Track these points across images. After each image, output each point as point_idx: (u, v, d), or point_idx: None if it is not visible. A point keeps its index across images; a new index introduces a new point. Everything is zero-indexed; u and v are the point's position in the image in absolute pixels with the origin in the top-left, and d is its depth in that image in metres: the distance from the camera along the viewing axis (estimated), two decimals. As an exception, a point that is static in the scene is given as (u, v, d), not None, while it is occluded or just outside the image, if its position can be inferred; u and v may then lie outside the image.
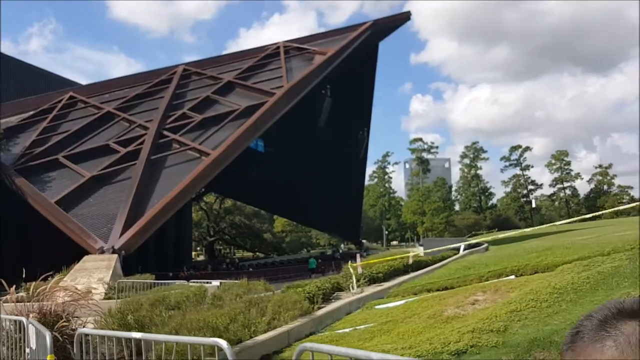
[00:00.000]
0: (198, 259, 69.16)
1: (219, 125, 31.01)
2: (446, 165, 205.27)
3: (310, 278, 35.85)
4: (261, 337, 7.67)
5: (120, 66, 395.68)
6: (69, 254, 32.34)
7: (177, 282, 23.44)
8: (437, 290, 12.54)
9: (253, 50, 43.28)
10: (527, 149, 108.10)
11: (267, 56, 40.89)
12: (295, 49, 41.43)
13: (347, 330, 8.75)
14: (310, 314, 9.56)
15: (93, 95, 38.30)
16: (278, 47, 41.62)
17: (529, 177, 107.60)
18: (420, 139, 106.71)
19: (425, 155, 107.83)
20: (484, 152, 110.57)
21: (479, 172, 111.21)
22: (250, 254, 74.46)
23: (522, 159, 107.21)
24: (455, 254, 28.86)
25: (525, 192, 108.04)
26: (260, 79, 37.21)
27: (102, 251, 21.98)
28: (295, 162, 54.72)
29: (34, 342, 6.07)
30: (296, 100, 33.78)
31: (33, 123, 35.55)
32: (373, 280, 16.50)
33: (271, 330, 8.07)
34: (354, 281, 15.16)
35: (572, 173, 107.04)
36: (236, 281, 17.16)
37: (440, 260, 26.66)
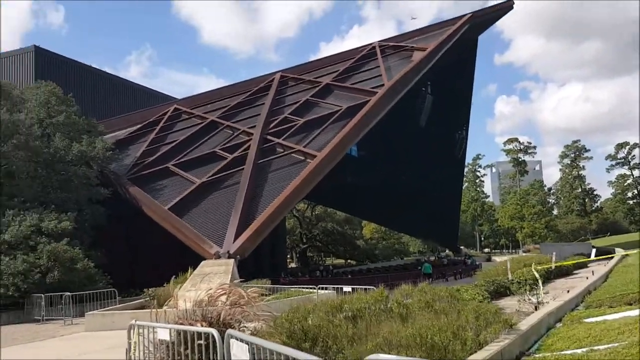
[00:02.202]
0: (290, 266, 69.30)
1: (321, 128, 30.29)
2: (536, 167, 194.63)
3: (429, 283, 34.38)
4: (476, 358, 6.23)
5: (210, 86, 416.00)
6: (175, 260, 33.21)
7: (293, 287, 22.86)
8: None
9: (348, 52, 42.50)
10: (637, 145, 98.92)
11: (363, 57, 39.91)
12: (391, 47, 40.14)
13: (578, 351, 7.09)
14: (513, 328, 7.92)
15: (196, 106, 39.14)
16: (374, 47, 40.52)
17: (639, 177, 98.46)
18: (516, 139, 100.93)
19: (521, 156, 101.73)
20: (586, 150, 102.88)
21: (581, 172, 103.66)
22: (340, 261, 73.53)
23: (630, 156, 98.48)
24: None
25: (635, 192, 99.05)
26: (359, 79, 36.25)
27: (217, 256, 21.70)
28: (389, 165, 53.24)
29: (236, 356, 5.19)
30: (398, 98, 32.42)
31: (141, 135, 36.81)
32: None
33: (481, 350, 6.60)
34: (541, 288, 13.36)
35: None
36: (368, 287, 15.98)
37: (581, 267, 24.17)
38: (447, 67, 41.88)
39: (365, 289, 15.95)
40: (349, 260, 71.22)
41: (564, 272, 21.25)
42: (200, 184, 27.70)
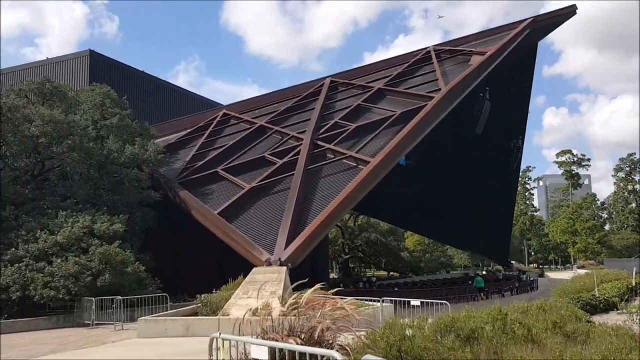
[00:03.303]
0: (331, 276, 68.10)
1: (374, 133, 29.22)
2: (586, 182, 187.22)
3: (479, 299, 32.66)
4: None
5: (253, 95, 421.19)
6: (214, 267, 32.88)
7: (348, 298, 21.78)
8: None
9: (400, 57, 41.37)
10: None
11: (416, 61, 38.69)
12: (447, 51, 38.78)
13: None
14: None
15: (244, 111, 38.84)
16: (428, 52, 39.27)
17: None
18: (570, 151, 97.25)
19: (575, 168, 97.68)
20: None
21: (636, 187, 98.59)
22: (383, 273, 71.88)
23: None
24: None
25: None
26: (413, 84, 35.05)
27: (269, 263, 20.89)
28: (438, 175, 51.50)
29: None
30: (456, 103, 31.06)
31: (190, 140, 36.73)
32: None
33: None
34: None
35: None
36: (433, 301, 14.79)
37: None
38: (505, 74, 40.17)
39: (431, 303, 14.78)
40: (391, 273, 69.52)
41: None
42: (250, 189, 27.07)
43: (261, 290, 18.73)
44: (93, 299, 19.50)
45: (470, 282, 43.26)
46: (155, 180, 29.71)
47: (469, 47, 38.41)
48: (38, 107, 25.55)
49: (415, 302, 13.95)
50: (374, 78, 38.32)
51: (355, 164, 26.95)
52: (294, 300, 7.13)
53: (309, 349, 5.22)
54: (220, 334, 5.58)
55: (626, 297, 12.79)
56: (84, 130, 26.61)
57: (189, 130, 37.74)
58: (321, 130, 31.13)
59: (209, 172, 30.39)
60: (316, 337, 6.13)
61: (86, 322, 19.61)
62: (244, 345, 6.00)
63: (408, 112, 29.83)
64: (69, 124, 25.40)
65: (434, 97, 30.27)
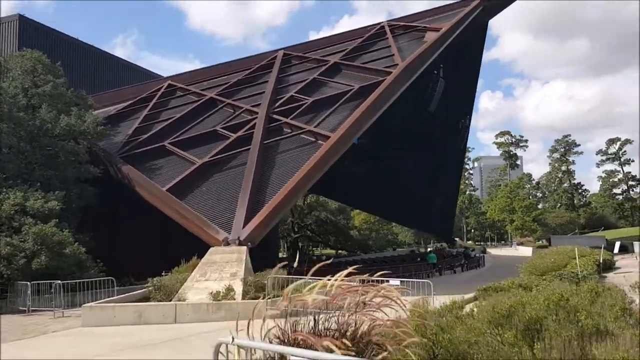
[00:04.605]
0: (280, 256, 67.03)
1: (332, 108, 28.12)
2: (518, 162, 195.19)
3: (435, 275, 32.45)
4: None
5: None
6: (159, 247, 30.89)
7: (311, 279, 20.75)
8: None
9: (354, 31, 40.26)
10: (628, 141, 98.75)
11: (371, 36, 37.71)
12: (402, 27, 38.02)
13: None
14: None
15: (191, 83, 36.59)
16: (382, 27, 38.37)
17: (630, 172, 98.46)
18: (508, 133, 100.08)
19: (513, 149, 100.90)
20: (577, 145, 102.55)
21: (570, 167, 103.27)
22: (331, 251, 71.59)
23: (621, 152, 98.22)
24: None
25: (625, 187, 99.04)
26: (369, 59, 34.10)
27: (226, 243, 19.49)
28: (387, 153, 51.23)
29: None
30: (413, 79, 30.44)
31: (133, 112, 34.23)
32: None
33: None
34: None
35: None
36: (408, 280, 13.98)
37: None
38: (456, 52, 40.02)
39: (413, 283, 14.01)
40: (339, 251, 69.30)
41: (607, 267, 19.60)
42: (202, 165, 25.36)
43: (220, 272, 17.44)
44: (28, 283, 17.46)
45: (419, 259, 43.43)
46: (94, 155, 27.32)
47: (422, 23, 37.85)
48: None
49: (394, 281, 13.06)
50: (329, 52, 37.08)
51: (314, 139, 25.81)
52: (331, 286, 5.65)
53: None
54: (233, 338, 4.19)
55: (599, 273, 12.52)
56: (13, 99, 23.91)
57: (130, 102, 35.13)
58: (277, 104, 29.67)
59: (155, 146, 28.29)
60: (359, 337, 4.83)
61: (21, 308, 17.57)
62: (272, 355, 4.51)
63: (367, 86, 28.91)
64: (-5, 90, 22.66)
65: (391, 72, 29.48)
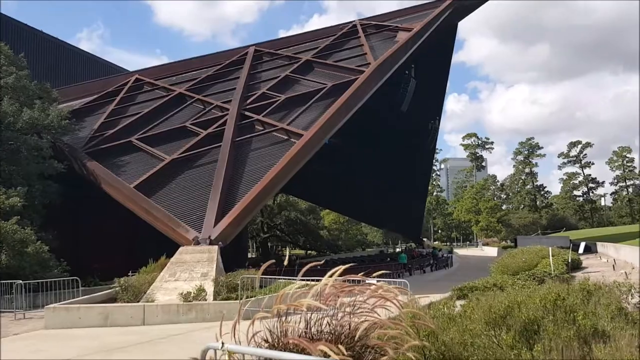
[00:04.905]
0: (249, 256, 66.27)
1: (305, 106, 27.85)
2: (483, 164, 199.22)
3: (406, 275, 32.51)
4: None
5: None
6: (126, 246, 29.98)
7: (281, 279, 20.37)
8: None
9: (326, 29, 40.07)
10: (588, 144, 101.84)
11: (343, 35, 37.59)
12: (374, 26, 38.04)
13: None
14: None
15: (160, 77, 35.69)
16: (355, 26, 38.31)
17: (590, 175, 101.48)
18: (475, 135, 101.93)
19: (479, 151, 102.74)
20: (540, 148, 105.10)
21: (534, 169, 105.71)
22: (301, 252, 71.31)
23: (582, 155, 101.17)
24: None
25: (585, 189, 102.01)
26: (341, 57, 33.96)
27: (197, 242, 19.01)
28: (358, 153, 51.26)
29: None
30: (386, 78, 30.46)
31: (98, 106, 33.15)
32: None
33: None
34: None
35: (636, 170, 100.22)
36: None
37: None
38: (426, 53, 40.26)
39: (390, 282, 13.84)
40: (309, 252, 69.10)
41: (575, 266, 19.97)
42: (171, 161, 24.75)
43: (190, 272, 16.97)
44: (-14, 284, 16.59)
45: (388, 259, 43.63)
46: (58, 150, 26.35)
47: (395, 23, 37.96)
48: None
49: (371, 281, 12.89)
50: (301, 49, 36.76)
51: (287, 137, 25.49)
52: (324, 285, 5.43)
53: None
54: (223, 343, 3.84)
55: (568, 272, 12.68)
56: (-30, 89, 22.76)
57: (96, 96, 34.02)
58: (248, 101, 29.22)
59: (122, 141, 27.47)
60: (356, 340, 4.57)
61: (-22, 311, 16.68)
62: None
63: (340, 84, 28.75)
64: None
65: (364, 71, 29.41)
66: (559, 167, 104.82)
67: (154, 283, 16.55)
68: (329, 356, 3.85)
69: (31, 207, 22.51)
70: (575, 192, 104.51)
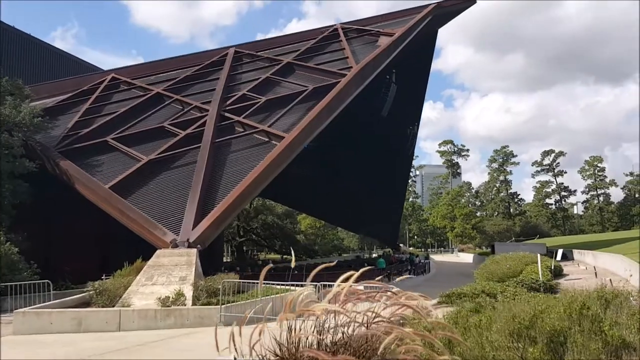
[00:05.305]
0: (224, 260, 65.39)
1: (286, 108, 27.52)
2: (459, 171, 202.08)
3: (385, 280, 32.34)
4: None
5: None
6: (96, 248, 29.11)
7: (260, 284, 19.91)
8: None
9: (307, 32, 39.88)
10: (561, 153, 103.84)
11: (325, 38, 37.43)
12: (355, 30, 37.99)
13: None
14: None
15: (137, 77, 34.93)
16: (336, 29, 38.20)
17: (562, 183, 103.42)
18: (451, 142, 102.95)
19: (455, 158, 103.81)
20: (514, 156, 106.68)
21: (508, 177, 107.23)
22: (277, 256, 70.70)
23: (555, 164, 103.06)
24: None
25: (557, 198, 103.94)
26: (322, 60, 33.76)
27: (175, 245, 18.45)
28: (336, 158, 51.11)
29: None
30: (367, 82, 30.34)
31: (72, 105, 32.24)
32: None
33: None
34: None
35: (607, 179, 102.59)
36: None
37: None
38: (406, 58, 40.41)
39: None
40: (284, 256, 68.50)
41: (557, 273, 20.07)
42: (148, 162, 24.11)
43: (168, 276, 16.43)
44: (-50, 287, 15.76)
45: (366, 264, 43.41)
46: (30, 148, 25.40)
47: (376, 27, 37.98)
48: None
49: (358, 287, 12.60)
50: (282, 52, 36.47)
51: (267, 139, 25.11)
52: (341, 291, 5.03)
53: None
54: (234, 357, 3.39)
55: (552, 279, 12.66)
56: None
57: (70, 95, 33.10)
58: (228, 102, 28.75)
59: (97, 141, 26.70)
60: (381, 354, 4.20)
61: (-59, 316, 15.80)
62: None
63: (321, 87, 28.53)
64: None
65: (346, 74, 29.25)
66: (532, 175, 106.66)
67: (130, 287, 15.95)
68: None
69: (0, 207, 21.62)
70: (548, 200, 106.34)
